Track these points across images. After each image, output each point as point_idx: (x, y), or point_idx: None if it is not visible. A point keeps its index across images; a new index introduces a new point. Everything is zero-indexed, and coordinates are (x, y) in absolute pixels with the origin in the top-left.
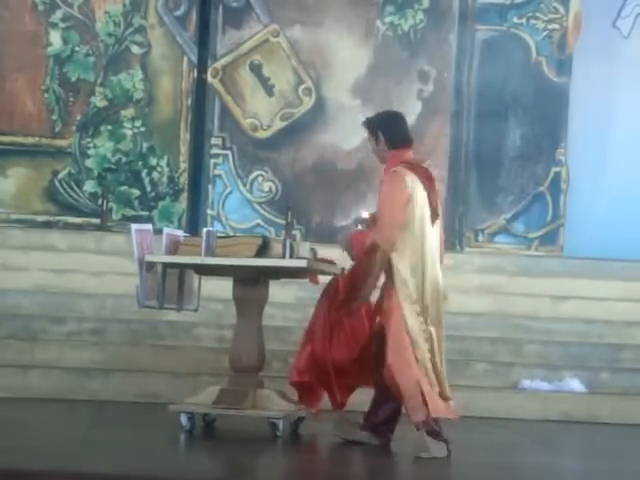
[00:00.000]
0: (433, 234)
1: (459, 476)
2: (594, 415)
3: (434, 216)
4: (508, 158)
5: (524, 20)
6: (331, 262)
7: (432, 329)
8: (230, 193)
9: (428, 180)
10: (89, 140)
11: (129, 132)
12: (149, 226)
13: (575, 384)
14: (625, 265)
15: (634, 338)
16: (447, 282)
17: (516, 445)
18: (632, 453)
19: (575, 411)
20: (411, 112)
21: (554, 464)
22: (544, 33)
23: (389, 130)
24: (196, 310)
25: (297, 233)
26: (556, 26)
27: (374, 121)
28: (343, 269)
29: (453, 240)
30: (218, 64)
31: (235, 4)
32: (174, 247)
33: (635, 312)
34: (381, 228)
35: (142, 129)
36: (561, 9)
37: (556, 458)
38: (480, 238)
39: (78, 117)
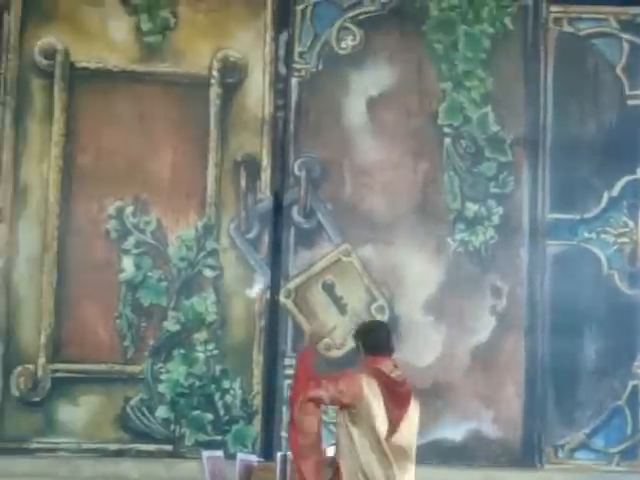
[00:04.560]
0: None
1: None
2: None
3: (391, 429)
4: (584, 372)
5: (594, 234)
6: None
7: None
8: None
9: (397, 393)
10: (161, 365)
11: (202, 355)
12: (220, 452)
13: None
14: None
15: None
16: None
17: None
18: None
19: None
20: (485, 327)
21: None
22: (614, 247)
23: (366, 338)
24: None
25: None
26: (626, 239)
27: (356, 330)
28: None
29: (532, 457)
30: (290, 285)
31: (307, 225)
32: (248, 473)
33: None
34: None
35: (215, 352)
36: (630, 223)
37: None
38: (560, 454)
39: (151, 342)
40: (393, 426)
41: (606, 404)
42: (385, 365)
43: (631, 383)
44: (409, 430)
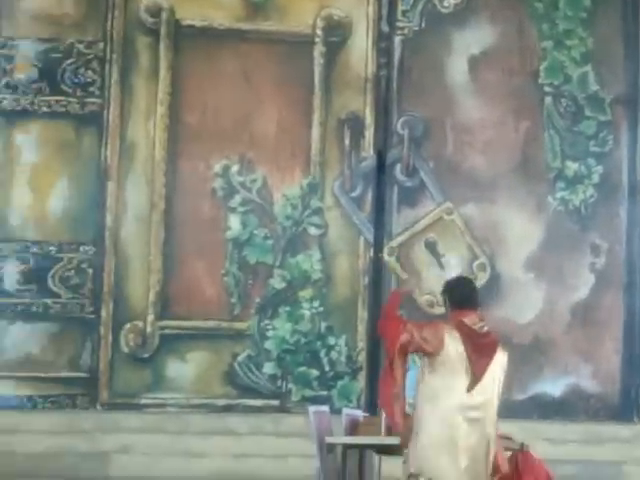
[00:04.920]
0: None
1: None
2: None
3: (473, 381)
4: None
5: None
6: (509, 437)
7: None
8: (408, 369)
9: (480, 345)
10: (268, 322)
11: (307, 313)
12: (326, 407)
13: None
14: None
15: None
16: (624, 453)
17: None
18: None
19: None
20: (584, 285)
21: None
22: None
23: (451, 293)
24: None
25: None
26: None
27: (443, 286)
28: (522, 444)
29: (630, 411)
30: (394, 242)
31: (409, 184)
32: (353, 427)
33: None
34: None
35: (320, 309)
36: None
37: None
38: None
39: (257, 299)
40: (475, 377)
41: None
42: (469, 318)
43: None
44: (492, 382)
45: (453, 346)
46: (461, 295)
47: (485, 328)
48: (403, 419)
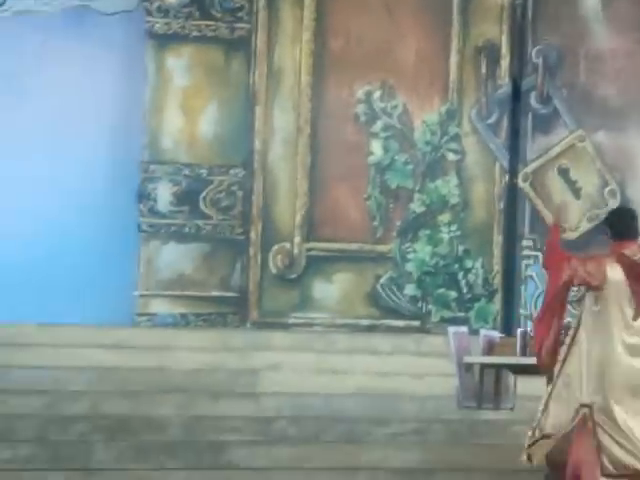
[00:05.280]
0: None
1: None
2: None
3: (638, 312)
4: None
5: None
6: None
7: None
8: (541, 294)
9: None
10: (408, 245)
11: (446, 236)
12: (465, 328)
13: None
14: None
15: None
16: None
17: None
18: None
19: None
20: None
21: None
22: None
23: (612, 225)
24: (512, 409)
25: None
26: None
27: (605, 217)
28: None
29: None
30: (528, 169)
31: (543, 111)
32: (490, 348)
33: None
34: None
35: (458, 233)
36: None
37: None
38: None
39: (398, 223)
40: (638, 307)
41: None
42: (630, 249)
43: None
44: None
45: (615, 278)
46: (622, 226)
47: None
48: (551, 356)
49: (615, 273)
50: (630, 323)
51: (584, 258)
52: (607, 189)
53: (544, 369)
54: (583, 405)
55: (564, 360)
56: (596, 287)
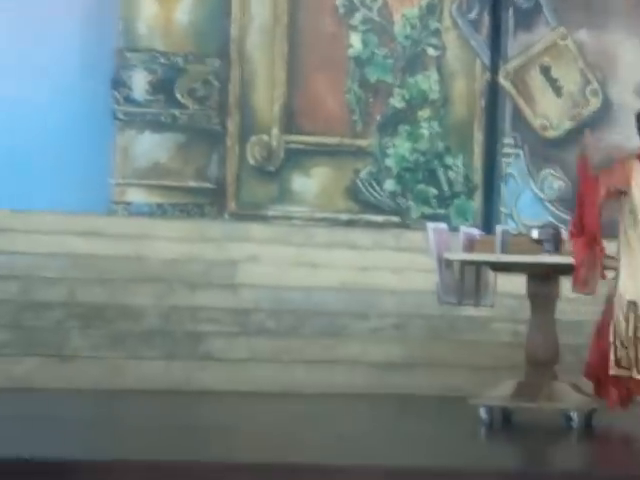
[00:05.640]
0: None
1: None
2: None
3: None
4: None
5: None
6: (614, 257)
7: None
8: (522, 191)
9: None
10: (388, 140)
11: (426, 132)
12: (444, 225)
13: None
14: None
15: None
16: None
17: None
18: None
19: None
20: None
21: None
22: None
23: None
24: (492, 306)
25: None
26: None
27: (636, 113)
28: None
29: None
30: (509, 66)
31: (525, 5)
32: (470, 245)
33: None
34: None
35: (438, 129)
36: None
37: None
38: None
39: (377, 118)
40: None
41: None
42: None
43: None
44: None
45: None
46: None
47: None
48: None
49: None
50: None
51: (610, 170)
52: (589, 88)
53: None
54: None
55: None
56: (621, 191)
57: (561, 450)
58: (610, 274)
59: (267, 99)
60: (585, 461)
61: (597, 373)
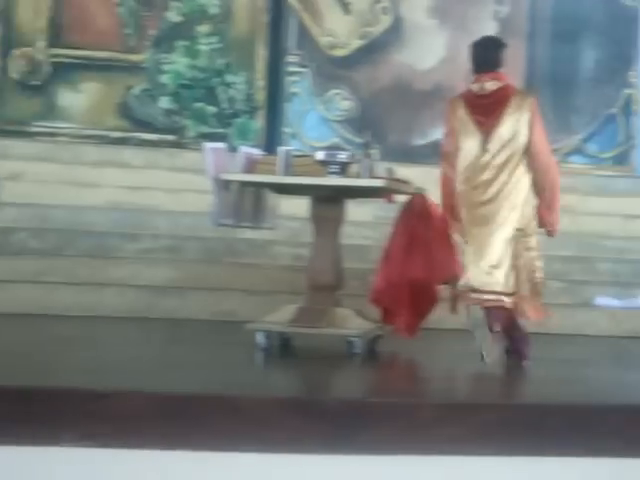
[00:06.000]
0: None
1: (532, 390)
2: None
3: (484, 140)
4: (582, 79)
5: None
6: (406, 182)
7: None
8: (307, 111)
9: (481, 105)
10: (164, 56)
11: (205, 48)
12: (222, 145)
13: None
14: None
15: None
16: None
17: (587, 360)
18: None
19: None
20: (487, 33)
21: (627, 378)
22: None
23: (470, 57)
24: (272, 228)
25: (374, 152)
26: None
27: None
28: (419, 188)
29: None
30: None
31: None
32: (251, 166)
33: None
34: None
35: (218, 45)
36: None
37: (628, 372)
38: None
39: (152, 32)
40: (485, 136)
41: (600, 111)
42: (480, 82)
43: (625, 92)
44: (505, 136)
45: (460, 118)
46: (476, 58)
47: (492, 86)
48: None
49: (457, 114)
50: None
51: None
52: (379, 5)
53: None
54: None
55: None
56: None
57: (341, 377)
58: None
59: (32, 11)
60: (364, 388)
61: (383, 299)
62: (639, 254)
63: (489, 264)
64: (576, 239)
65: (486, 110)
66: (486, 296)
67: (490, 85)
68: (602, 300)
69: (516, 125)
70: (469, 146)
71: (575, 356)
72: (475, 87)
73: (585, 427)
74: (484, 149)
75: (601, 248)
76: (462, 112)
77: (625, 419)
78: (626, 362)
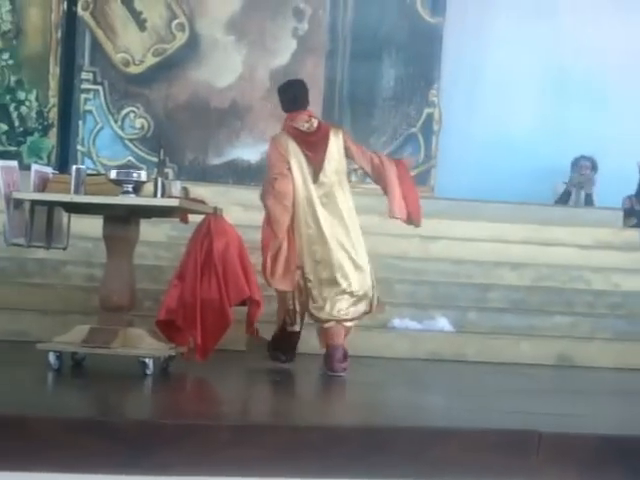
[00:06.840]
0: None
1: (330, 412)
2: (461, 354)
3: (316, 171)
4: (381, 99)
5: None
6: (202, 202)
7: None
8: (101, 129)
9: (311, 143)
10: None
11: None
12: (14, 163)
13: (443, 323)
14: (495, 206)
15: (501, 278)
16: None
17: (385, 383)
18: (496, 390)
19: (442, 350)
20: (286, 50)
21: (421, 401)
22: None
23: (282, 98)
24: (65, 248)
25: (169, 171)
26: None
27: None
28: (215, 208)
29: None
30: None
31: None
32: (43, 184)
33: (502, 253)
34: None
35: (10, 62)
36: None
37: (423, 395)
38: (353, 178)
39: None
40: (316, 169)
41: (400, 131)
42: (299, 119)
43: (426, 111)
44: (333, 166)
45: (293, 153)
46: (292, 99)
47: (315, 124)
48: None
49: (292, 149)
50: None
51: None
52: (175, 22)
53: None
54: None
55: None
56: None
57: (134, 398)
58: None
59: None
60: (158, 409)
61: (176, 318)
62: (437, 275)
63: None
64: (373, 260)
65: (314, 146)
66: None
67: (313, 122)
68: (400, 322)
69: (337, 155)
70: (301, 181)
71: (371, 378)
72: (304, 125)
73: (377, 450)
74: (315, 182)
75: (399, 269)
76: (294, 149)
77: (417, 441)
78: (422, 385)
